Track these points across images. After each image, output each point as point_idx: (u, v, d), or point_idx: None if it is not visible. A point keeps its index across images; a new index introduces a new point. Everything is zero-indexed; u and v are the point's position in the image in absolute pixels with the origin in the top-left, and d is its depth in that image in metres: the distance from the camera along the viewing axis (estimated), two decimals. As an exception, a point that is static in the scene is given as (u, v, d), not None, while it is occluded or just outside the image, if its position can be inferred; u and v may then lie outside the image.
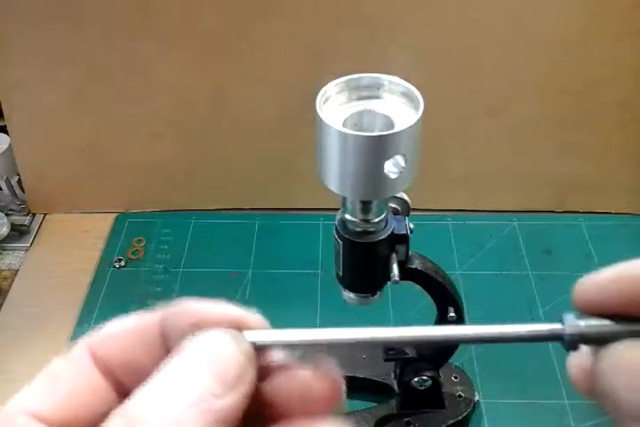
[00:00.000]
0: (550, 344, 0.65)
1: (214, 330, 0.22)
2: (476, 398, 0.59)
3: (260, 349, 0.22)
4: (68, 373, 0.23)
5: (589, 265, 0.73)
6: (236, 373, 0.21)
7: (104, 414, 0.23)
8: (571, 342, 0.21)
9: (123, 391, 0.23)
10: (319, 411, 0.23)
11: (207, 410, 0.19)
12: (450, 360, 0.56)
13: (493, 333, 0.22)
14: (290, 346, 0.23)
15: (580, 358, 0.22)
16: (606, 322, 0.21)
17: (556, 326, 0.21)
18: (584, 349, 0.21)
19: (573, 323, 0.21)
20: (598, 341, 0.21)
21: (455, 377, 0.59)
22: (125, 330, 0.23)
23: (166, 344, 0.23)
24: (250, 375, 0.21)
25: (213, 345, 0.21)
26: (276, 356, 0.24)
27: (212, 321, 0.22)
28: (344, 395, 0.23)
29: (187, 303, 0.23)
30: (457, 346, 0.53)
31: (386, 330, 0.22)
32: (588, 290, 0.22)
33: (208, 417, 0.19)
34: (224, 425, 0.20)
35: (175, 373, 0.20)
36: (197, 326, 0.22)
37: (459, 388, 0.59)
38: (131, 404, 0.20)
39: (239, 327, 0.22)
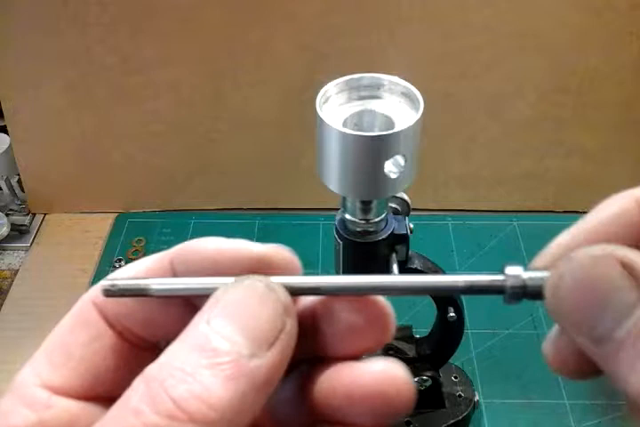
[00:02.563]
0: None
1: (243, 279, 0.19)
2: (476, 398, 0.59)
3: (297, 295, 0.19)
4: (79, 336, 0.20)
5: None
6: (272, 327, 0.18)
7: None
8: (511, 295, 0.20)
9: (150, 349, 0.21)
10: (368, 347, 0.20)
11: (238, 374, 0.16)
12: (450, 360, 0.56)
13: (424, 281, 0.20)
14: (330, 292, 0.20)
15: (554, 341, 0.21)
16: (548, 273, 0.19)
17: (498, 278, 0.20)
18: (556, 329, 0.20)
19: (515, 274, 0.20)
20: (540, 294, 0.19)
21: (455, 377, 0.59)
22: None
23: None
24: (289, 328, 0.18)
25: (241, 296, 0.18)
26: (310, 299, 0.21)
27: (231, 263, 0.19)
28: (394, 326, 0.20)
29: (199, 243, 0.20)
30: (457, 346, 0.53)
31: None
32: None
33: (239, 382, 0.16)
34: (265, 387, 0.17)
35: (199, 333, 0.17)
36: (214, 270, 0.19)
37: (459, 388, 0.59)
38: (152, 369, 0.17)
39: (265, 268, 0.19)
